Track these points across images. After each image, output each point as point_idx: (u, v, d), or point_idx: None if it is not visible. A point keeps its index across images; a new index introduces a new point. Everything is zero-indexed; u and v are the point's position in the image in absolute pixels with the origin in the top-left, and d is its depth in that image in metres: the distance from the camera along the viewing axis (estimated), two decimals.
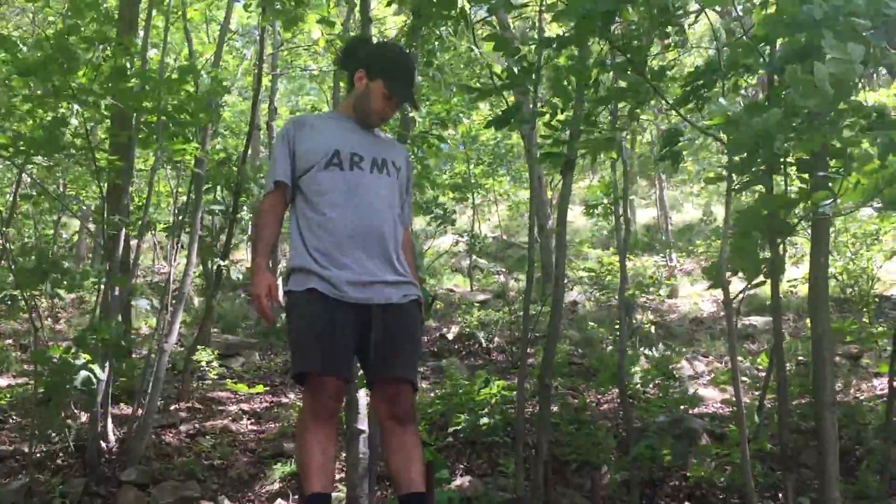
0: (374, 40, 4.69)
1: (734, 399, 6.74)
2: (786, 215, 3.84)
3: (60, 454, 5.95)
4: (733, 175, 3.89)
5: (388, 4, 6.19)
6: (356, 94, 2.94)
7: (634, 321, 10.16)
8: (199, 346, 8.24)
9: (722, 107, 3.40)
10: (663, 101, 4.41)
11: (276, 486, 5.82)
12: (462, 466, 5.94)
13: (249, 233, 13.87)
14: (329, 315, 2.66)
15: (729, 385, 7.28)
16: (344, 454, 5.28)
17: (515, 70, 4.45)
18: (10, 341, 9.56)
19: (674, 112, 4.66)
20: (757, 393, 6.36)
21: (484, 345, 10.19)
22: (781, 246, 4.03)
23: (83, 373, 5.29)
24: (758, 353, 8.52)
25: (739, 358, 8.42)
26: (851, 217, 9.88)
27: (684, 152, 5.20)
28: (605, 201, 6.27)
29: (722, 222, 16.26)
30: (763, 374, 6.82)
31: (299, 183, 2.86)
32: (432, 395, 7.35)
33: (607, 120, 5.91)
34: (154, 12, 7.63)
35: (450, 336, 10.87)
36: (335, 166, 2.81)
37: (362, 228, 2.75)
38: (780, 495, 4.92)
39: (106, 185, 6.81)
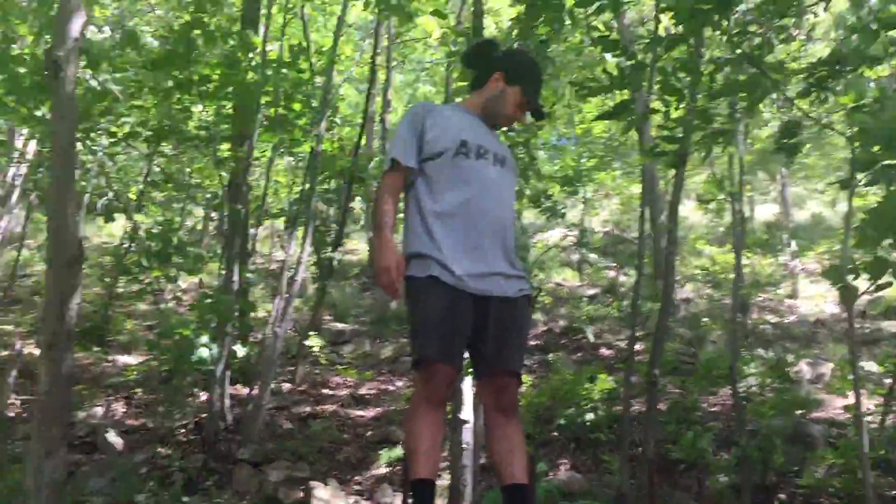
0: (487, 33, 4.70)
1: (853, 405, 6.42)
2: None
3: (181, 430, 6.27)
4: (858, 171, 3.70)
5: None
6: (490, 94, 2.98)
7: (749, 321, 9.80)
8: (311, 332, 8.50)
9: (858, 85, 3.22)
10: (783, 93, 4.22)
11: (383, 470, 5.94)
12: (566, 461, 5.89)
13: (362, 222, 14.21)
14: (450, 304, 2.67)
15: (849, 390, 6.94)
16: (448, 443, 5.34)
17: (626, 69, 4.37)
18: (138, 322, 10.13)
19: (794, 104, 4.47)
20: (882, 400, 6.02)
21: (592, 340, 10.05)
22: None
23: (202, 350, 5.54)
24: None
25: (867, 363, 7.99)
26: None
27: (807, 146, 4.97)
28: (720, 196, 6.05)
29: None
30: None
31: (424, 167, 2.84)
32: (537, 389, 7.32)
33: (726, 113, 5.72)
34: (274, 9, 7.90)
35: (557, 330, 10.79)
36: (463, 155, 2.82)
37: (486, 220, 2.76)
38: None
39: (227, 174, 7.12)
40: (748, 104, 4.57)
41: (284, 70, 6.26)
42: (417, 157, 2.85)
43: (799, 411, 6.15)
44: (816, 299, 12.10)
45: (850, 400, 6.84)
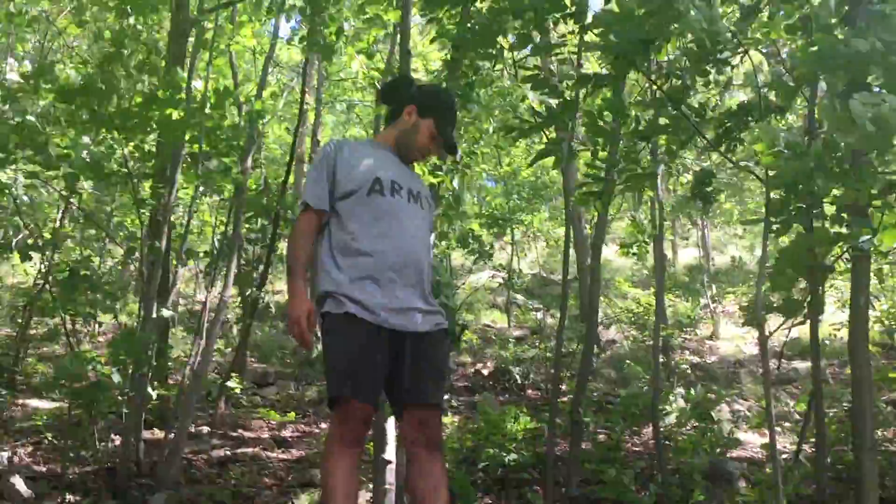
0: (415, 75, 4.74)
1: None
2: (825, 254, 3.76)
3: (92, 476, 5.99)
4: (771, 214, 3.83)
5: (432, 41, 6.28)
6: (402, 128, 2.98)
7: (672, 361, 9.99)
8: (233, 374, 8.29)
9: (768, 133, 3.34)
10: (701, 140, 4.37)
11: None
12: (490, 503, 5.84)
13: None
14: (365, 341, 2.64)
15: (766, 428, 7.11)
16: (371, 485, 5.23)
17: (554, 107, 4.46)
18: (50, 365, 9.72)
19: (710, 153, 4.63)
20: (797, 438, 6.18)
21: (519, 381, 10.08)
22: (820, 286, 3.94)
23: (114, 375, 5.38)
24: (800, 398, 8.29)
25: (781, 402, 8.22)
26: None
27: (723, 193, 5.15)
28: (641, 238, 6.20)
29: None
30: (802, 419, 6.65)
31: (337, 206, 2.83)
32: (462, 431, 7.27)
33: (646, 158, 5.88)
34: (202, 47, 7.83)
35: (485, 372, 10.79)
36: (377, 193, 2.80)
37: (402, 256, 2.75)
38: None
39: (148, 213, 6.96)
40: (667, 148, 4.72)
41: (208, 111, 6.17)
42: (329, 198, 2.83)
43: (718, 449, 6.25)
44: (736, 340, 12.44)
45: (767, 438, 7.01)
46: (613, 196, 4.80)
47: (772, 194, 3.68)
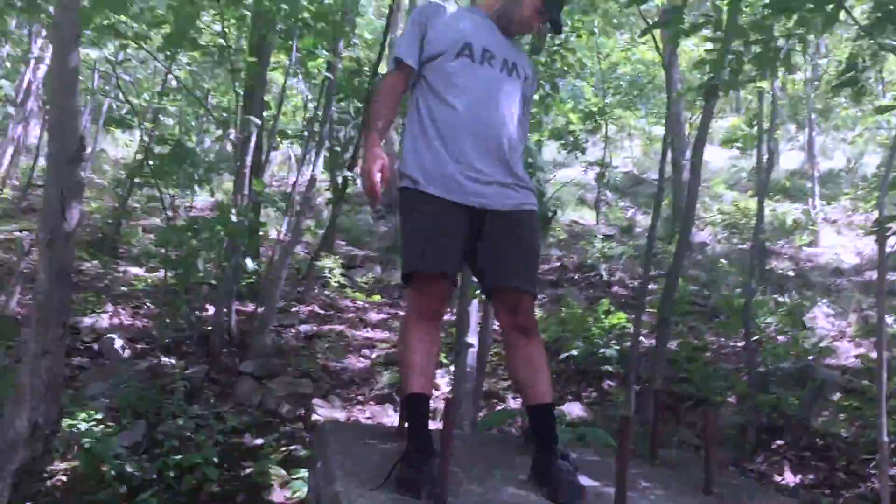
0: None
1: (869, 354, 6.31)
2: None
3: (187, 342, 6.25)
4: None
5: None
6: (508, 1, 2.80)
7: (767, 267, 9.64)
8: (322, 254, 8.42)
9: None
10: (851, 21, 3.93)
11: (385, 391, 5.91)
12: (572, 392, 5.84)
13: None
14: (438, 214, 2.56)
15: (866, 339, 6.84)
16: (453, 366, 5.28)
17: None
18: (151, 236, 10.10)
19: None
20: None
21: (605, 277, 9.94)
22: None
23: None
24: None
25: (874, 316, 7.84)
26: None
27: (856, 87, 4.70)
28: (748, 131, 5.86)
29: (875, 169, 15.05)
30: None
31: (424, 70, 2.70)
32: (546, 321, 7.24)
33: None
34: None
35: (570, 266, 10.67)
36: (466, 57, 2.66)
37: (484, 125, 2.61)
38: None
39: (241, 89, 6.96)
40: (804, 24, 4.30)
41: None
42: (419, 57, 2.71)
43: (811, 357, 6.05)
44: (837, 249, 11.89)
45: (863, 349, 6.74)
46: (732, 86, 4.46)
47: None
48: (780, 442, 5.00)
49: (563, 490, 2.23)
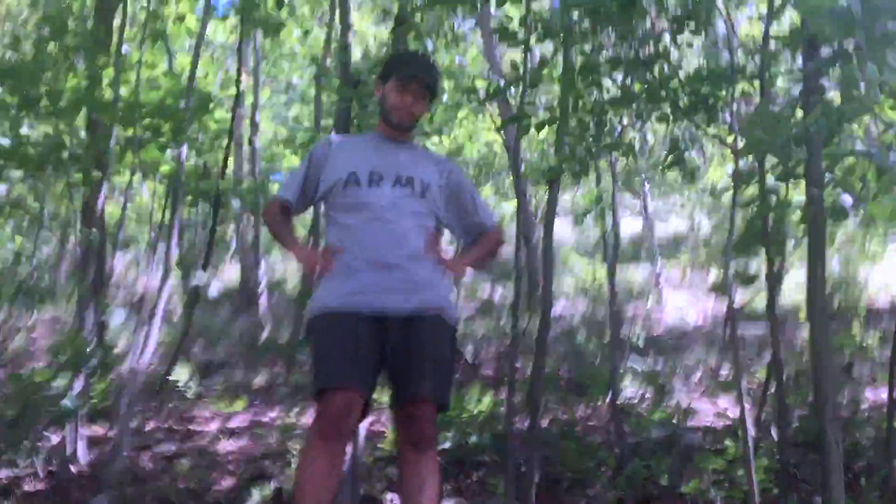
0: (356, 49, 4.59)
1: (727, 412, 6.61)
2: (782, 223, 3.75)
3: (29, 479, 5.71)
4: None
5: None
6: (380, 105, 3.00)
7: (624, 334, 10.01)
8: (177, 364, 8.02)
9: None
10: (672, 107, 4.24)
11: None
12: (450, 487, 5.74)
13: (233, 246, 13.69)
14: (338, 329, 2.63)
15: (723, 396, 7.18)
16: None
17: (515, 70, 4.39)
18: None
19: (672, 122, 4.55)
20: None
21: (470, 361, 9.98)
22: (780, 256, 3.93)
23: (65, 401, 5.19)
24: (749, 365, 8.37)
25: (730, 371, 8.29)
26: (839, 224, 9.78)
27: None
28: (598, 207, 6.26)
29: (710, 231, 16.15)
30: (753, 387, 6.72)
31: (326, 204, 3.02)
32: None
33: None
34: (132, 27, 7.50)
35: None
36: (354, 185, 2.88)
37: (379, 242, 2.82)
38: None
39: (81, 199, 6.65)
40: (638, 115, 4.62)
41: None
42: (298, 193, 3.01)
43: (675, 420, 6.26)
44: (682, 309, 12.55)
45: (720, 407, 7.07)
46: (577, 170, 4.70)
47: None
48: None
49: None
